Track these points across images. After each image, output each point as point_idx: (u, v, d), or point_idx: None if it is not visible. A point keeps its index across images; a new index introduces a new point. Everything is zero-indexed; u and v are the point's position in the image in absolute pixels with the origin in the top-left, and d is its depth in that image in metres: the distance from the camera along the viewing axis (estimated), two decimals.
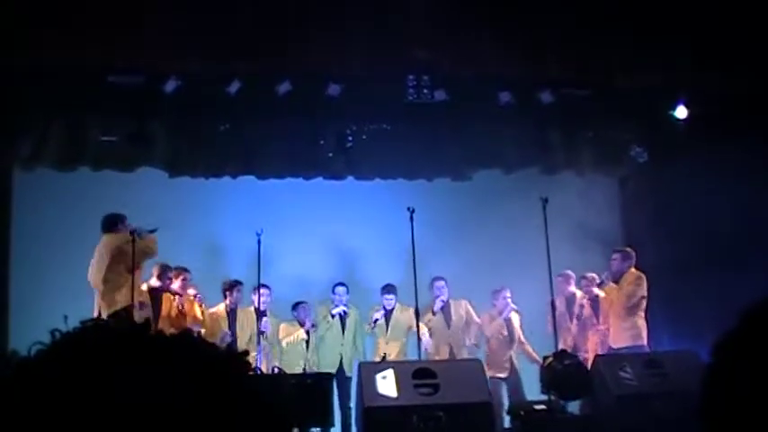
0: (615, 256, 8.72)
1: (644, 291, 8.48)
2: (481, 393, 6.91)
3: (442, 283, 9.14)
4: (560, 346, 8.74)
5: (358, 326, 9.11)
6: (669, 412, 6.42)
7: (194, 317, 8.53)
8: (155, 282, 8.39)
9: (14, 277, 8.58)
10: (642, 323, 8.47)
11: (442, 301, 9.07)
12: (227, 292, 8.82)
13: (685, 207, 9.07)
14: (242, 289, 8.84)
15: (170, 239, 9.32)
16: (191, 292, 8.64)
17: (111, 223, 8.05)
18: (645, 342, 8.42)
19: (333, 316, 8.96)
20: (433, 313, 9.02)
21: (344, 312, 9.02)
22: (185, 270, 8.68)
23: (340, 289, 9.09)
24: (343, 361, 8.89)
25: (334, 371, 8.64)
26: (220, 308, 8.81)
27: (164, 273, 8.41)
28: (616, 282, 8.61)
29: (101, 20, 7.63)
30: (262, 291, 8.67)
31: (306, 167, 9.68)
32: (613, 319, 8.52)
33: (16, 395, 0.80)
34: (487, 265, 9.57)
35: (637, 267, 8.70)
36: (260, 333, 8.49)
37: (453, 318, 9.10)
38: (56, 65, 7.77)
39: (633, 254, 8.74)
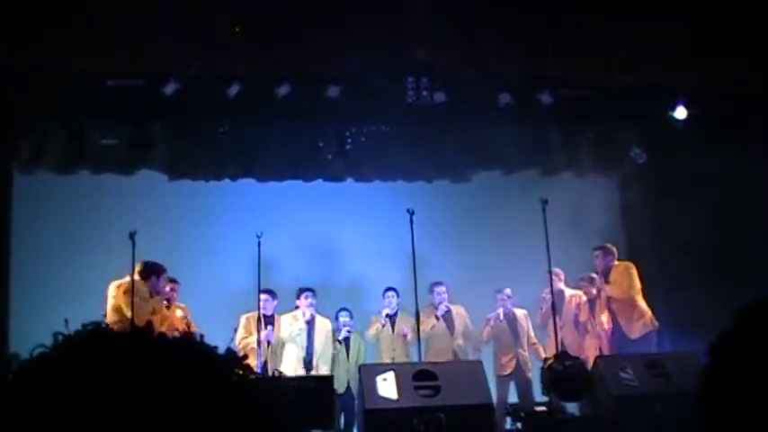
0: (597, 253, 8.82)
1: (636, 277, 8.56)
2: (482, 395, 6.91)
3: (443, 288, 9.10)
4: (551, 344, 8.80)
5: (360, 351, 9.09)
6: (670, 413, 6.42)
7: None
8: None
9: (15, 280, 8.57)
10: (646, 307, 8.54)
11: (446, 306, 9.03)
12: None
13: (685, 207, 9.08)
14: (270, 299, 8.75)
15: (170, 242, 9.35)
16: (181, 309, 8.48)
17: (149, 271, 8.03)
18: (656, 325, 8.47)
19: (340, 342, 8.99)
20: (437, 318, 8.99)
21: (348, 336, 9.03)
22: (174, 281, 8.58)
23: (343, 314, 9.13)
24: (350, 384, 8.80)
25: (341, 391, 8.64)
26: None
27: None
28: (606, 278, 8.65)
29: (100, 22, 7.64)
30: (267, 296, 8.64)
31: (305, 169, 9.68)
32: (621, 314, 8.55)
33: (18, 397, 0.81)
34: (487, 266, 9.57)
35: (621, 260, 8.79)
36: (267, 341, 8.43)
37: (456, 323, 9.07)
38: (55, 67, 7.78)
39: (614, 248, 8.85)
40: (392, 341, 8.91)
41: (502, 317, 9.10)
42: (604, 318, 8.71)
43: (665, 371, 7.14)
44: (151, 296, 7.95)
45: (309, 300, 8.84)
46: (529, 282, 9.05)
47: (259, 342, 8.32)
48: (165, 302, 8.24)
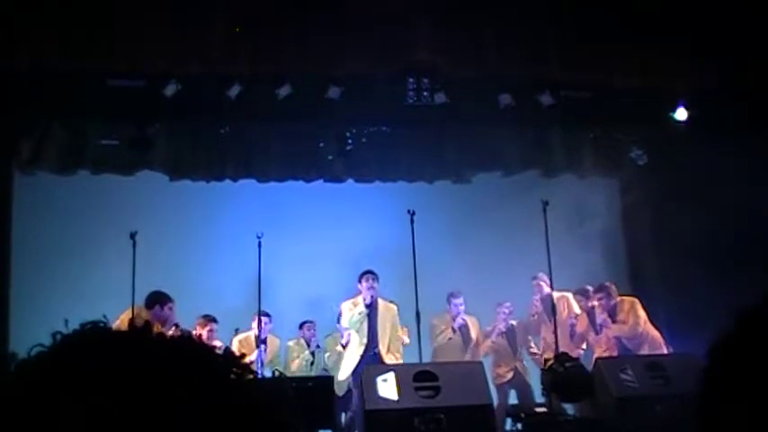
0: (599, 295, 8.67)
1: (641, 312, 8.51)
2: (482, 396, 6.90)
3: (460, 300, 8.98)
4: (542, 347, 8.77)
5: None
6: (670, 415, 6.41)
7: None
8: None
9: (15, 280, 8.57)
10: (656, 333, 8.51)
11: (463, 319, 8.94)
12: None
13: (686, 208, 9.07)
14: (267, 321, 8.69)
15: (170, 242, 9.36)
16: (217, 344, 8.42)
17: (152, 300, 7.97)
18: (670, 350, 8.45)
19: (344, 346, 8.91)
20: (453, 331, 8.91)
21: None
22: (213, 320, 8.53)
23: None
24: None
25: (341, 394, 8.60)
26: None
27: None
28: (611, 317, 8.60)
29: (101, 23, 7.64)
30: (265, 319, 8.54)
31: (306, 170, 9.70)
32: (635, 349, 8.52)
33: (16, 397, 0.80)
34: (488, 267, 9.57)
35: (623, 295, 8.74)
36: (259, 362, 8.38)
37: (472, 337, 9.00)
38: (56, 68, 7.77)
39: (613, 287, 8.73)
40: None
41: (503, 332, 9.06)
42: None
43: (664, 372, 7.13)
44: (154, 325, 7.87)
45: (370, 282, 8.32)
46: (529, 284, 9.06)
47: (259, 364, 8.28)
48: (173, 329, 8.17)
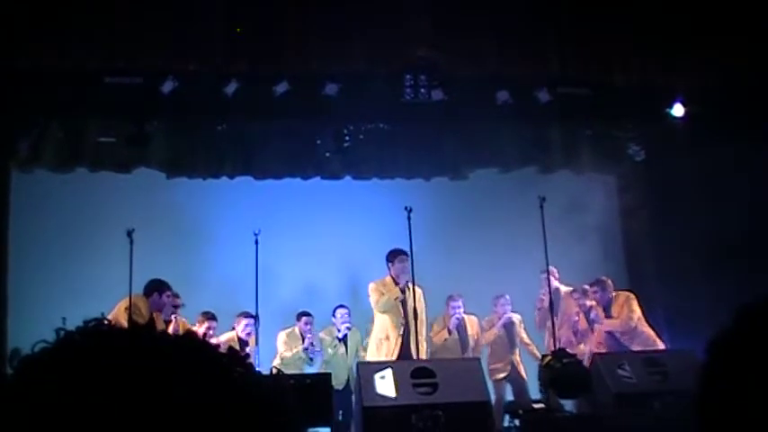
0: (594, 289, 8.68)
1: (636, 306, 8.50)
2: (480, 392, 6.91)
3: (459, 302, 8.94)
4: (546, 342, 8.77)
5: (359, 346, 9.03)
6: (668, 411, 6.42)
7: None
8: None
9: (12, 277, 8.57)
10: (650, 331, 8.50)
11: (457, 319, 8.88)
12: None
13: (684, 205, 9.08)
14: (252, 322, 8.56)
15: (168, 240, 9.35)
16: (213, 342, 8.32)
17: (150, 288, 7.97)
18: (658, 346, 8.44)
19: (340, 339, 8.89)
20: (449, 332, 8.90)
21: (347, 333, 8.94)
22: (212, 318, 8.50)
23: (342, 311, 9.03)
24: (350, 379, 8.70)
25: (340, 388, 8.59)
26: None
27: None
28: (606, 311, 8.61)
29: (99, 21, 7.63)
30: (248, 320, 8.50)
31: (303, 167, 9.68)
32: (629, 344, 8.52)
33: (20, 393, 0.81)
34: (485, 263, 9.57)
35: (619, 290, 8.74)
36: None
37: (469, 337, 8.97)
38: (54, 66, 7.76)
39: (609, 281, 8.73)
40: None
41: (509, 321, 9.06)
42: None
43: (662, 368, 7.15)
44: (152, 314, 7.90)
45: (405, 263, 7.98)
46: (526, 280, 9.06)
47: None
48: (174, 317, 8.16)
